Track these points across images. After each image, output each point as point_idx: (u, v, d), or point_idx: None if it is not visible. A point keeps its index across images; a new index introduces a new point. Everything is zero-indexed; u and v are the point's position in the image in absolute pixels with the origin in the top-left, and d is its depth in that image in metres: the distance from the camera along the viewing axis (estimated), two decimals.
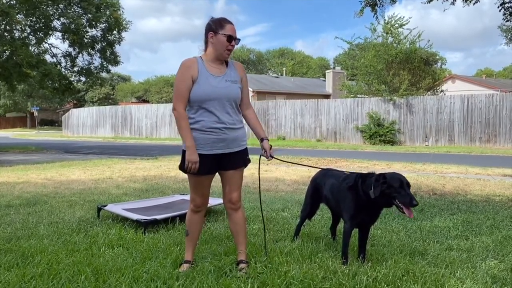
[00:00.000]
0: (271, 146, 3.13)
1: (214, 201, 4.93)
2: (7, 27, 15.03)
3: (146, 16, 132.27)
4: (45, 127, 56.53)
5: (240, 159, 3.05)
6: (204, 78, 2.89)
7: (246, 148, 3.11)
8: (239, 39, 2.98)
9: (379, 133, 20.73)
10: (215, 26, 2.92)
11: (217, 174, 3.10)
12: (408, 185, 3.00)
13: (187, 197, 5.42)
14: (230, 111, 2.96)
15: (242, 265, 3.05)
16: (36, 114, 49.38)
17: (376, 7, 7.26)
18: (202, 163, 2.90)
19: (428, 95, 22.59)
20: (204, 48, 3.01)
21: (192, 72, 2.88)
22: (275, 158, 3.21)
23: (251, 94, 32.89)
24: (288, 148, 19.10)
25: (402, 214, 3.11)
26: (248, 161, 3.13)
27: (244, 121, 3.13)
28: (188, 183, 3.11)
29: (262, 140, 3.10)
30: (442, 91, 25.04)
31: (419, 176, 8.79)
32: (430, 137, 20.19)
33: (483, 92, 23.28)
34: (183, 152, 2.97)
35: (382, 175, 3.06)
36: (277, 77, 43.38)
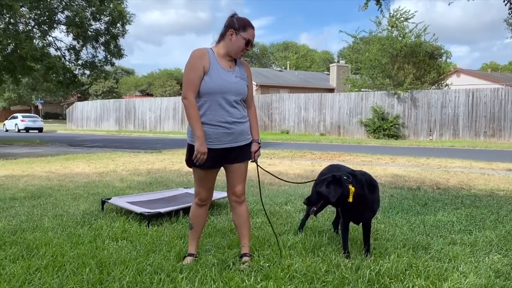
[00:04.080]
0: (259, 147, 3.13)
1: (218, 194, 4.94)
2: (11, 20, 15.03)
3: (150, 8, 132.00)
4: (49, 120, 56.72)
5: (245, 152, 3.06)
6: (216, 71, 2.88)
7: (252, 142, 3.12)
8: (254, 45, 3.01)
9: (383, 127, 20.67)
10: (239, 26, 2.89)
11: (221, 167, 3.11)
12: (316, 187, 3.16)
13: (191, 191, 5.43)
14: (238, 106, 2.97)
15: (245, 258, 3.06)
16: (40, 107, 49.56)
17: (380, 0, 7.17)
18: (210, 157, 2.90)
19: (433, 89, 22.49)
20: (218, 40, 3.00)
21: (204, 62, 2.87)
22: (258, 165, 3.20)
23: (255, 87, 32.83)
24: (291, 142, 19.09)
25: None
26: (250, 156, 3.13)
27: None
28: (193, 176, 3.11)
29: (251, 141, 3.10)
30: (447, 85, 24.92)
31: (423, 170, 8.77)
32: (435, 131, 20.12)
33: (488, 86, 23.16)
34: (189, 145, 2.97)
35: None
36: (281, 70, 43.27)
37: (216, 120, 2.89)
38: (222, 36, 2.96)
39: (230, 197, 3.14)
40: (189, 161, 2.99)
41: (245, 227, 3.15)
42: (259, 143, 3.15)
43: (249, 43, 2.91)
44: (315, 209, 3.18)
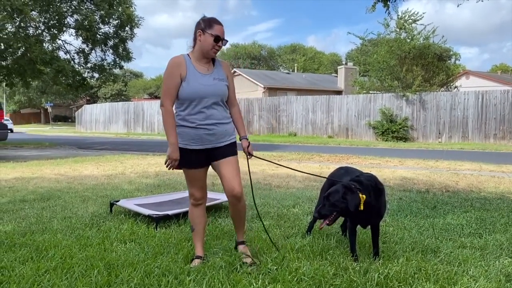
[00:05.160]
0: (249, 143, 3.18)
1: (224, 197, 4.93)
2: (22, 23, 15.21)
3: (158, 11, 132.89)
4: (58, 123, 57.24)
5: (229, 149, 3.10)
6: (193, 77, 2.95)
7: (235, 142, 3.17)
8: (227, 40, 3.03)
9: (392, 129, 20.56)
10: (204, 25, 2.95)
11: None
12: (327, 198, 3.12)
13: None
14: (219, 107, 3.03)
15: (240, 247, 3.23)
16: (50, 110, 50.04)
17: (388, 2, 7.12)
18: (194, 157, 3.01)
19: (442, 91, 22.32)
20: (193, 45, 3.05)
21: (181, 70, 2.95)
22: (255, 156, 3.26)
23: (262, 90, 32.86)
24: (299, 144, 19.05)
25: None
26: (236, 153, 3.16)
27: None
28: (185, 178, 3.17)
29: (241, 139, 3.18)
30: (456, 87, 24.72)
31: (432, 173, 8.70)
32: (444, 133, 19.96)
33: (498, 88, 22.90)
34: (179, 148, 3.04)
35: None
36: (288, 73, 43.28)
37: (197, 123, 2.96)
38: (194, 40, 3.02)
39: (229, 197, 3.14)
40: (179, 163, 3.05)
41: (242, 221, 3.28)
42: (248, 139, 3.20)
43: (218, 38, 2.94)
44: (327, 222, 3.09)
